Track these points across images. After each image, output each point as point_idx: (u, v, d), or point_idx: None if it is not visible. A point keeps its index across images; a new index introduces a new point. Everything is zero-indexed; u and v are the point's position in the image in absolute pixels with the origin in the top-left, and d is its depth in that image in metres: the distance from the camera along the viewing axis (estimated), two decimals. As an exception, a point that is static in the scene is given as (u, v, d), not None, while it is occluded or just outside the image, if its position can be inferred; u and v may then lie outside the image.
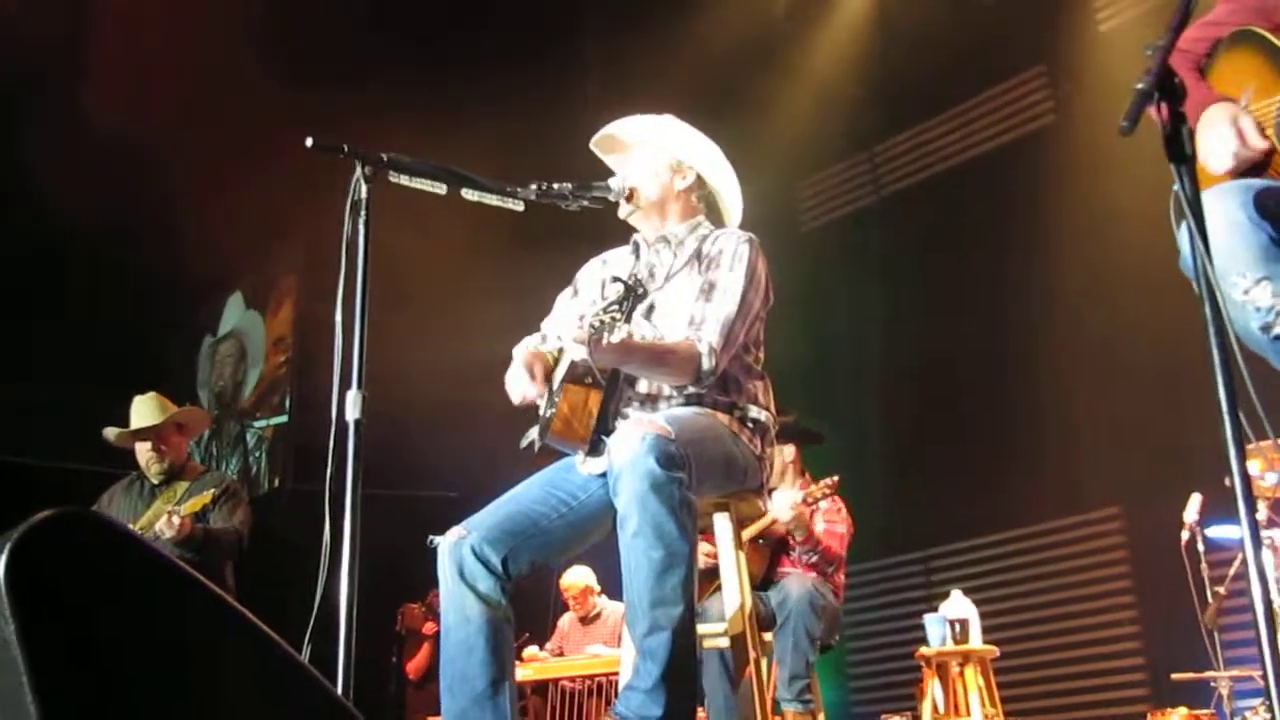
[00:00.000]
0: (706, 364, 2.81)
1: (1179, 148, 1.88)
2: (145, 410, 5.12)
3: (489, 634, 2.66)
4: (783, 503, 5.03)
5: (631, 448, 2.52)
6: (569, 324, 2.71)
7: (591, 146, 3.23)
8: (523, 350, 3.09)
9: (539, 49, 9.05)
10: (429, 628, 8.29)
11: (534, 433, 3.00)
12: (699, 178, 3.17)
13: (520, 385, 2.95)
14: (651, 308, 3.00)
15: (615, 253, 3.27)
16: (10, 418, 8.41)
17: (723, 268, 2.95)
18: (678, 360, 2.80)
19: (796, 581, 5.06)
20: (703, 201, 3.19)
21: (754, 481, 2.96)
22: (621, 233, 3.26)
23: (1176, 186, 1.90)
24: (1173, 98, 1.88)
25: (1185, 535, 5.53)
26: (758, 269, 2.98)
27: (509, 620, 2.71)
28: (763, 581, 5.18)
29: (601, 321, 2.59)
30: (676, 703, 2.51)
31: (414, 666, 8.53)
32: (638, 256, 3.16)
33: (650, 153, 3.14)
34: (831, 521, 5.31)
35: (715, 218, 3.21)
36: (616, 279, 2.98)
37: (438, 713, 2.73)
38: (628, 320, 2.68)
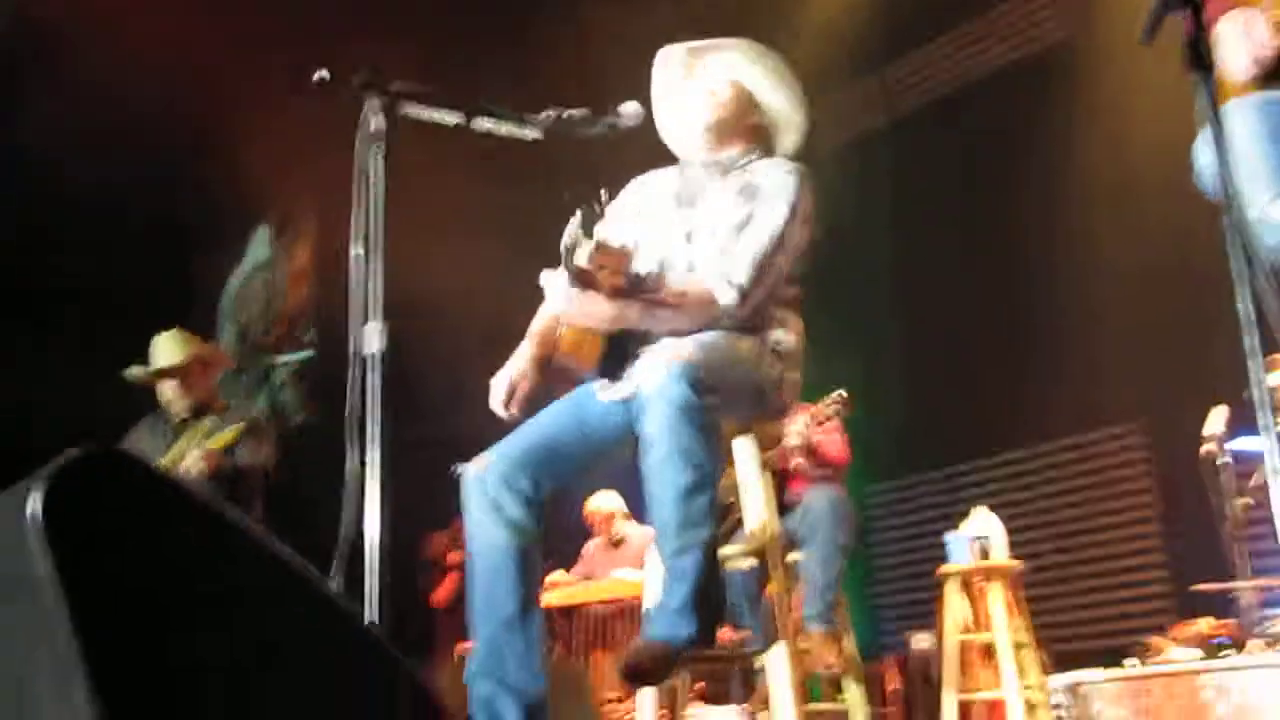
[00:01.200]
0: (725, 299, 2.81)
1: (1199, 57, 1.86)
2: (168, 349, 5.11)
3: (516, 559, 2.69)
4: (790, 433, 5.04)
5: (660, 374, 2.54)
6: (548, 284, 2.71)
7: (677, 51, 3.16)
8: (524, 353, 3.05)
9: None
10: (453, 557, 8.35)
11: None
12: (759, 105, 3.15)
13: (497, 391, 2.94)
14: (690, 233, 3.00)
15: (656, 174, 3.23)
16: (28, 359, 8.45)
17: (763, 201, 2.94)
18: (693, 301, 2.81)
19: (818, 494, 5.04)
20: (760, 128, 3.17)
21: (776, 406, 2.97)
22: (640, 166, 3.23)
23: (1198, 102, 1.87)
24: (1193, 6, 1.85)
25: (1209, 448, 5.52)
26: (800, 203, 2.96)
27: (537, 544, 2.75)
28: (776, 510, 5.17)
29: (571, 242, 2.58)
30: (704, 620, 2.56)
31: (440, 595, 8.62)
32: (682, 181, 3.14)
33: (730, 81, 3.11)
34: (829, 434, 5.29)
35: (768, 143, 3.18)
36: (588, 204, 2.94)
37: (465, 639, 2.77)
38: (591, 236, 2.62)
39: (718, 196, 3.03)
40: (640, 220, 3.10)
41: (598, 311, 2.72)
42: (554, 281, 2.71)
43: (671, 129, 3.19)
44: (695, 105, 3.09)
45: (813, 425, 5.12)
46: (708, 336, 2.80)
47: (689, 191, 3.10)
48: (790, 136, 3.21)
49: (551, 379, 2.95)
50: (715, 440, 2.59)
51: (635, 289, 2.73)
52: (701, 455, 2.53)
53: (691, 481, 2.52)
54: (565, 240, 2.61)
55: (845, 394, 5.14)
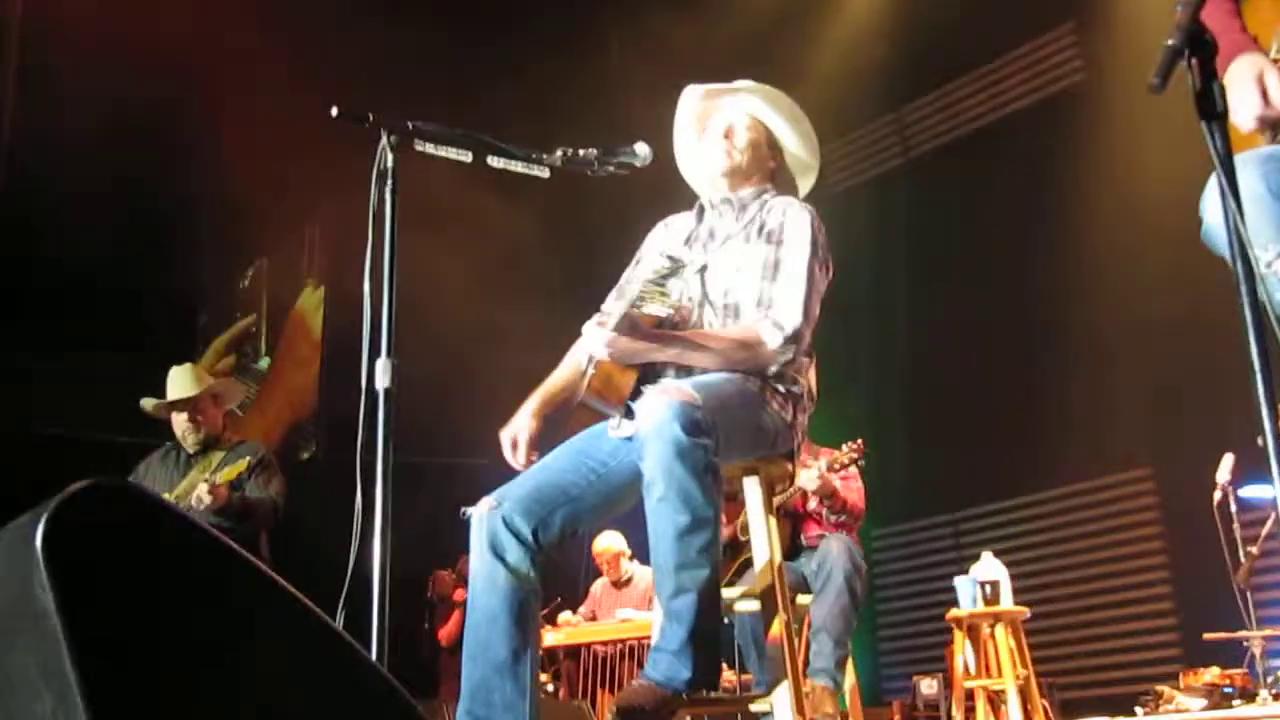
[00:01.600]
0: (774, 343, 2.83)
1: (1210, 105, 1.86)
2: (182, 381, 5.16)
3: (513, 604, 2.67)
4: (808, 477, 5.00)
5: (657, 414, 2.53)
6: (588, 333, 2.73)
7: (696, 92, 3.20)
8: (532, 404, 3.08)
9: (562, 16, 9.01)
10: (460, 594, 8.34)
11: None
12: (776, 148, 3.19)
13: (506, 443, 2.99)
14: (705, 268, 3.02)
15: (679, 216, 3.27)
16: (48, 389, 8.50)
17: (786, 244, 2.96)
18: (739, 343, 2.83)
19: (837, 546, 4.94)
20: (776, 168, 3.21)
21: (784, 447, 2.96)
22: (646, 202, 3.25)
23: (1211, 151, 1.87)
24: (1203, 54, 1.85)
25: (1218, 495, 5.50)
26: (820, 241, 2.99)
27: (536, 593, 2.73)
28: (790, 552, 5.14)
29: (642, 297, 2.62)
30: (703, 663, 2.54)
31: (446, 633, 8.60)
32: (700, 220, 3.18)
33: (753, 122, 3.15)
34: (847, 485, 5.26)
35: (781, 184, 3.22)
36: (665, 254, 2.99)
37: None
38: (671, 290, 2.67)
39: (733, 234, 3.06)
40: (640, 268, 3.14)
41: (639, 350, 2.74)
42: (593, 329, 2.74)
43: (690, 169, 3.23)
44: (713, 149, 3.13)
45: (831, 472, 5.06)
46: (712, 378, 2.80)
47: (705, 228, 3.14)
48: (805, 180, 3.27)
49: (578, 422, 2.95)
50: (714, 481, 2.57)
51: (667, 326, 2.79)
52: (698, 496, 2.51)
53: (688, 522, 2.51)
54: (635, 289, 2.67)
55: (862, 442, 5.10)
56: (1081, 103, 7.92)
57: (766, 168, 3.17)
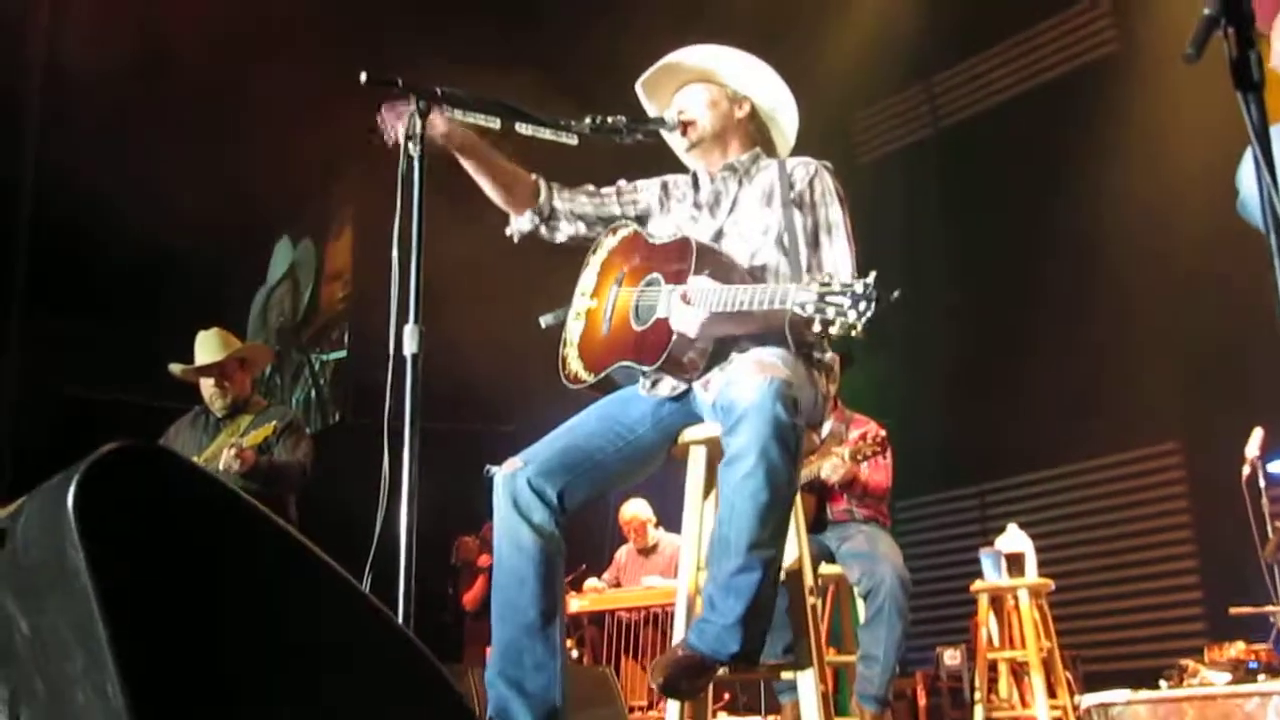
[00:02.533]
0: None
1: (1246, 75, 1.83)
2: (209, 346, 5.19)
3: (541, 565, 2.68)
4: (830, 467, 4.95)
5: (758, 390, 2.52)
6: (679, 309, 2.71)
7: (639, 86, 3.19)
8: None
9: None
10: (484, 560, 8.38)
11: (549, 317, 3.05)
12: (754, 108, 3.15)
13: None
14: (720, 234, 3.00)
15: (675, 178, 3.25)
16: (76, 352, 8.57)
17: (820, 206, 2.95)
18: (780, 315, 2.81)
19: (887, 566, 4.85)
20: (757, 131, 3.18)
21: (816, 419, 2.96)
22: (676, 165, 3.24)
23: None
24: (1240, 23, 1.83)
25: (1246, 470, 5.47)
26: (843, 197, 3.00)
27: (561, 552, 2.73)
28: (815, 525, 5.11)
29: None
30: (753, 640, 2.55)
31: (470, 598, 8.65)
32: (697, 188, 3.15)
33: (703, 86, 3.12)
34: (875, 465, 5.21)
35: (768, 147, 3.19)
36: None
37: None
38: (715, 240, 2.64)
39: (742, 198, 3.03)
40: (667, 219, 3.12)
41: (695, 318, 2.72)
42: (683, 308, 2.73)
43: (674, 147, 3.19)
44: (675, 134, 3.09)
45: (853, 462, 5.00)
46: (779, 352, 2.77)
47: (708, 196, 3.11)
48: (782, 115, 3.19)
49: (611, 383, 2.95)
50: (798, 462, 2.58)
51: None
52: (786, 476, 2.52)
53: (769, 501, 2.51)
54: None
55: (885, 434, 5.07)
56: (1115, 73, 7.83)
57: (736, 120, 3.11)
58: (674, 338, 2.75)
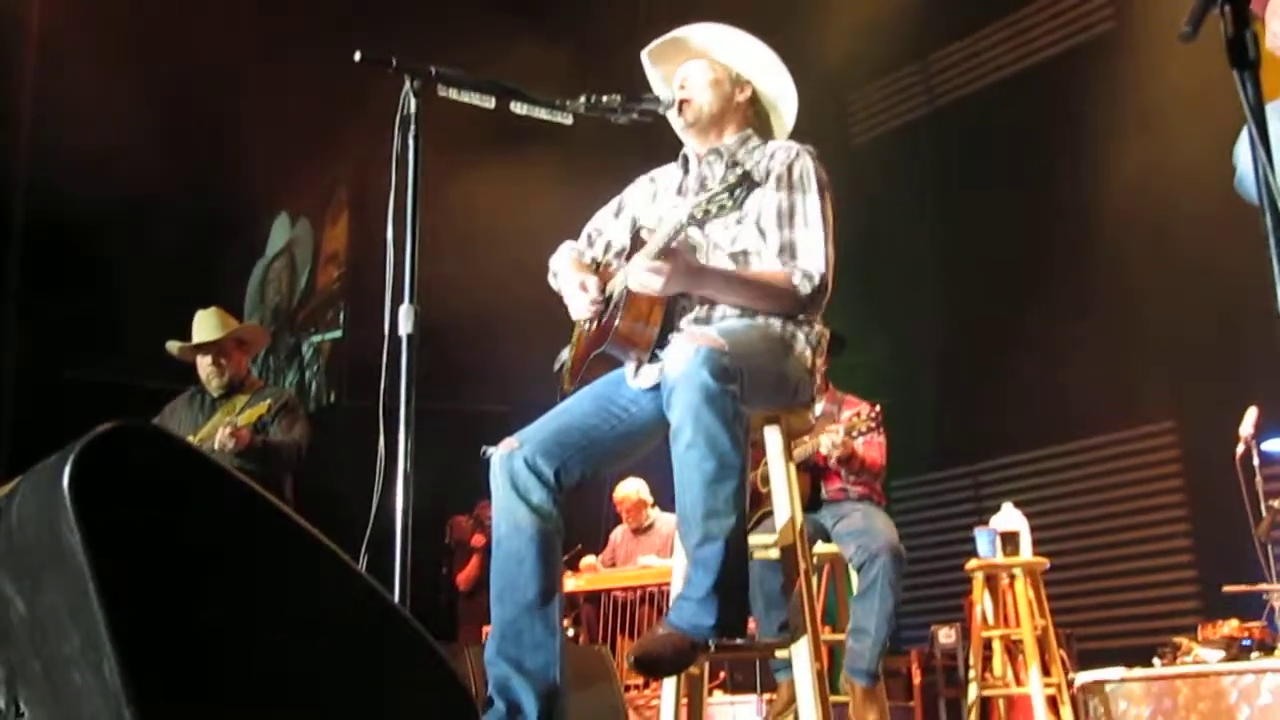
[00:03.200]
0: (805, 290, 2.82)
1: (1241, 53, 1.83)
2: (206, 325, 5.19)
3: (539, 545, 2.69)
4: (827, 442, 4.95)
5: (685, 360, 2.52)
6: (640, 264, 2.71)
7: (644, 56, 3.18)
8: (566, 263, 3.10)
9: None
10: (477, 539, 8.39)
11: (565, 355, 3.05)
12: (755, 93, 3.14)
13: (581, 305, 2.99)
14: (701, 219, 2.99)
15: (664, 169, 3.25)
16: (73, 334, 8.57)
17: (796, 189, 2.93)
18: (773, 288, 2.83)
19: (883, 540, 4.84)
20: (756, 116, 3.17)
21: (805, 396, 2.95)
22: (671, 144, 3.23)
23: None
24: (1236, 1, 1.82)
25: (1240, 449, 5.48)
26: (825, 183, 2.97)
27: (559, 531, 2.74)
28: (809, 504, 5.10)
29: (706, 210, 2.59)
30: (728, 612, 2.54)
31: (463, 577, 8.65)
32: (686, 171, 3.15)
33: (707, 64, 3.10)
34: (869, 442, 5.21)
35: (766, 132, 3.18)
36: (736, 163, 2.96)
37: (488, 622, 2.77)
38: (739, 206, 2.64)
39: (729, 180, 3.02)
40: (655, 210, 3.12)
41: (681, 281, 2.73)
42: (638, 263, 2.73)
43: (674, 122, 3.18)
44: (674, 110, 3.08)
45: (849, 438, 4.99)
46: (737, 324, 2.80)
47: (693, 181, 3.10)
48: (784, 104, 3.18)
49: (600, 368, 2.96)
50: (742, 429, 2.57)
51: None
52: (727, 444, 2.51)
53: (715, 470, 2.51)
54: (671, 230, 2.66)
55: (880, 408, 5.05)
56: (1111, 51, 7.81)
57: (736, 104, 3.10)
58: (622, 301, 2.78)
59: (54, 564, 1.37)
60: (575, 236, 3.29)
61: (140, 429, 1.41)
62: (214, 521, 1.44)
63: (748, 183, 2.61)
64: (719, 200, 2.60)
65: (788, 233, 2.89)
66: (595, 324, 2.97)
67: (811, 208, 2.91)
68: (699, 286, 2.81)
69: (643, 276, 2.71)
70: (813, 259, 2.86)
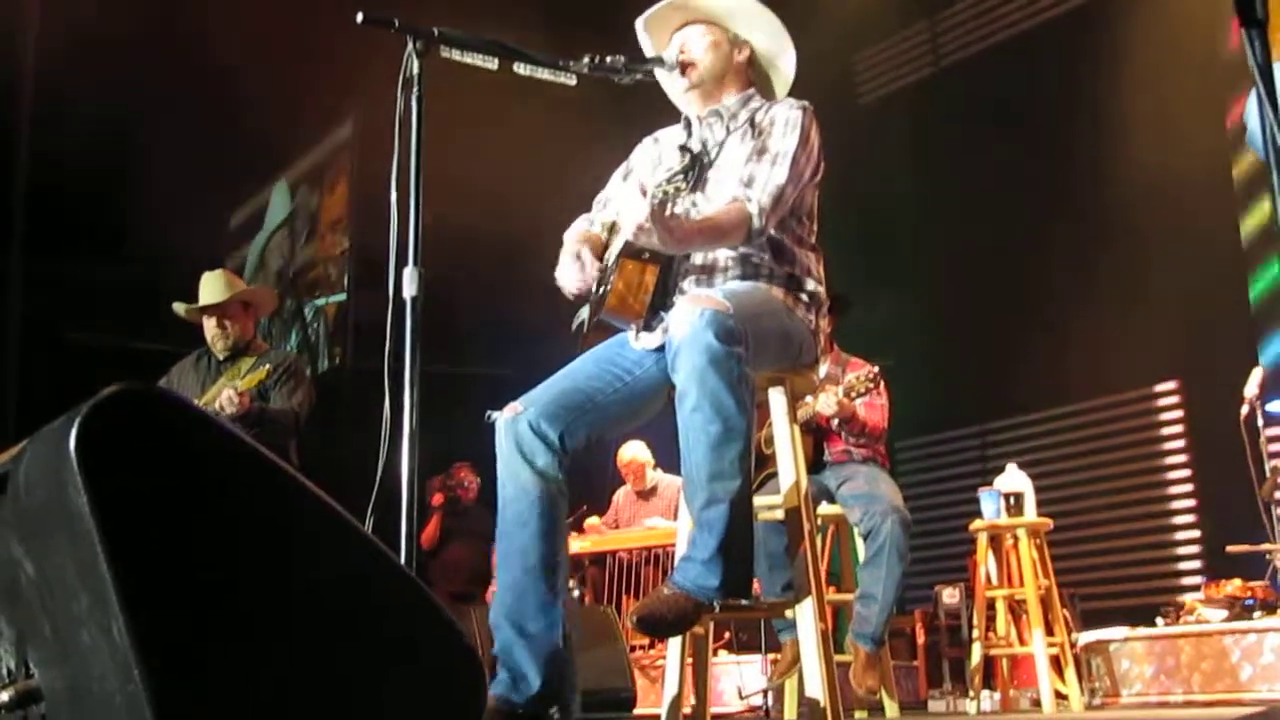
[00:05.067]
0: (756, 223, 2.79)
1: (1250, 11, 1.82)
2: (213, 286, 5.19)
3: (544, 508, 2.69)
4: (826, 402, 4.95)
5: (690, 323, 2.52)
6: (629, 200, 2.70)
7: (640, 23, 3.16)
8: (570, 235, 3.10)
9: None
10: (436, 499, 8.32)
11: (584, 313, 3.01)
12: (754, 51, 3.12)
13: (573, 275, 2.96)
14: (704, 181, 2.98)
15: (667, 130, 3.23)
16: (78, 297, 8.57)
17: (775, 133, 2.91)
18: (729, 223, 2.79)
19: (888, 506, 4.83)
20: (756, 75, 3.15)
21: (809, 357, 2.96)
22: (675, 107, 3.22)
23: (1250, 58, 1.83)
24: (1246, -42, 1.81)
25: (1245, 409, 5.48)
26: (810, 135, 2.94)
27: (564, 494, 2.74)
28: (813, 465, 5.10)
29: (665, 192, 2.59)
30: (733, 573, 2.55)
31: (424, 536, 8.50)
32: (690, 133, 3.13)
33: (705, 27, 3.09)
34: (871, 404, 5.20)
35: (766, 91, 3.16)
36: (683, 147, 2.95)
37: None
38: (692, 189, 2.64)
39: (725, 142, 3.01)
40: (657, 173, 3.09)
41: (669, 238, 2.69)
42: (633, 204, 2.68)
43: (668, 88, 3.16)
44: (674, 74, 3.04)
45: (847, 399, 4.98)
46: (739, 285, 2.79)
47: (697, 142, 3.08)
48: (783, 61, 3.16)
49: (594, 338, 2.95)
50: (747, 391, 2.57)
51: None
52: (731, 405, 2.51)
53: (720, 432, 2.52)
54: (660, 187, 2.64)
55: (878, 370, 5.04)
56: (1117, 10, 7.76)
57: (735, 64, 3.08)
58: (613, 269, 2.78)
59: (62, 526, 1.37)
60: (581, 197, 3.28)
61: (146, 392, 1.42)
62: (220, 484, 1.44)
63: (697, 165, 2.61)
64: (675, 183, 2.62)
65: (752, 166, 2.87)
66: (595, 291, 2.96)
67: (785, 150, 2.87)
68: (686, 244, 2.76)
69: (633, 208, 2.68)
70: (758, 189, 2.81)
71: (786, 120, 2.93)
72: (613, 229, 3.05)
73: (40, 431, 1.47)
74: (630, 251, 2.78)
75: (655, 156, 3.18)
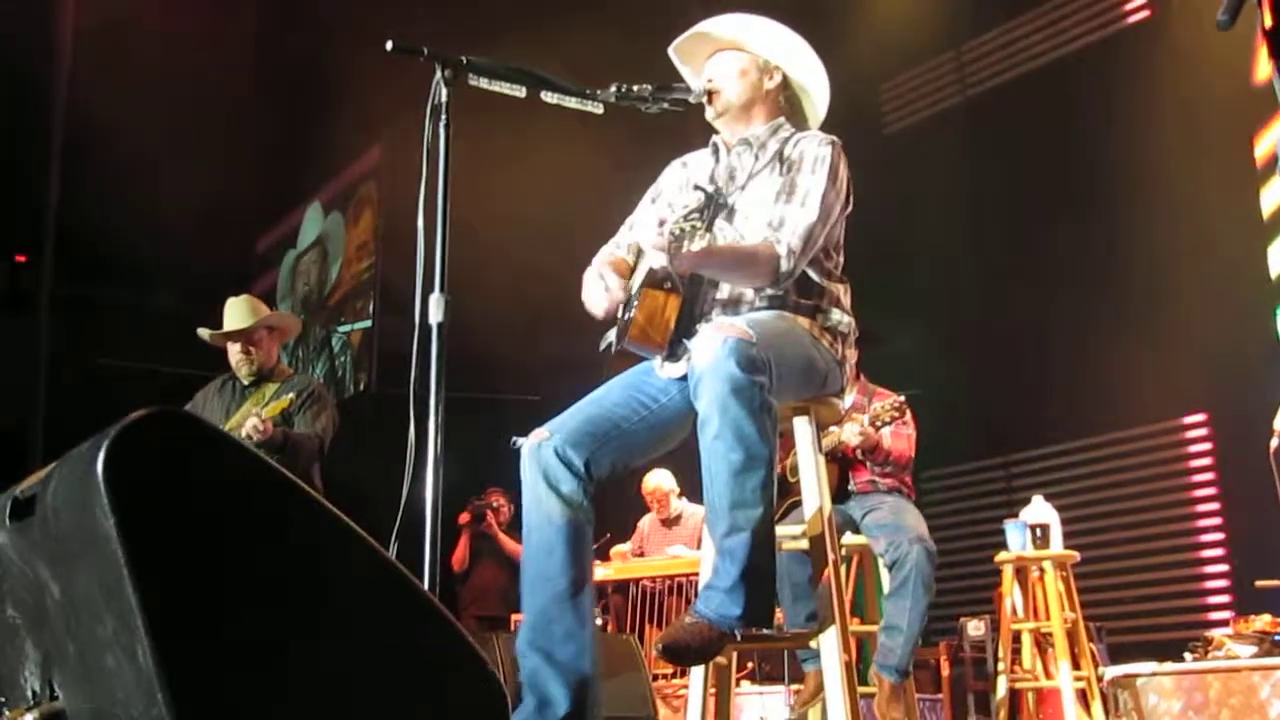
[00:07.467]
0: (785, 265, 2.80)
1: (1278, 41, 1.81)
2: (237, 312, 5.21)
3: (570, 535, 2.68)
4: (850, 431, 4.93)
5: (713, 351, 2.52)
6: (649, 229, 2.71)
7: (671, 51, 3.17)
8: (597, 260, 3.10)
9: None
10: (462, 517, 8.33)
11: (612, 334, 3.01)
12: (785, 78, 3.13)
13: (598, 297, 2.96)
14: (732, 210, 2.98)
15: (695, 155, 3.23)
16: (112, 321, 8.64)
17: (804, 170, 2.91)
18: (757, 262, 2.80)
19: (914, 537, 4.79)
20: (787, 103, 3.15)
21: (834, 386, 2.95)
22: (703, 134, 3.22)
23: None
24: (1273, -10, 1.80)
25: (1275, 442, 5.43)
26: (839, 172, 2.94)
27: (589, 521, 2.73)
28: (838, 495, 5.07)
29: (682, 230, 2.60)
30: (755, 602, 2.54)
31: (455, 559, 8.52)
32: (717, 159, 3.13)
33: (735, 54, 3.09)
34: (897, 434, 5.17)
35: (798, 119, 3.16)
36: (697, 186, 2.97)
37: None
38: (708, 228, 2.66)
39: (754, 172, 3.01)
40: (683, 198, 3.10)
41: (686, 267, 2.71)
42: (654, 253, 2.71)
43: (706, 112, 3.16)
44: (724, 84, 3.05)
45: (872, 428, 4.95)
46: (763, 315, 2.79)
47: (723, 168, 3.09)
48: (817, 95, 3.16)
49: (619, 364, 2.95)
50: (770, 420, 2.56)
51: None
52: (754, 434, 2.51)
53: (742, 460, 2.51)
54: (677, 225, 2.66)
55: (903, 399, 5.02)
56: (1146, 40, 7.75)
57: (765, 91, 3.07)
58: (636, 298, 2.77)
59: (88, 549, 1.38)
60: (609, 225, 3.28)
61: (173, 415, 1.43)
62: (246, 508, 1.45)
63: (713, 204, 2.64)
64: (691, 220, 2.64)
65: (780, 208, 2.87)
66: (621, 315, 2.96)
67: (813, 189, 2.87)
68: (705, 265, 2.78)
69: (651, 253, 2.70)
70: (789, 231, 2.82)
71: (816, 157, 2.93)
72: (639, 253, 3.05)
73: (68, 454, 1.47)
74: (652, 281, 2.78)
75: (683, 180, 3.18)
